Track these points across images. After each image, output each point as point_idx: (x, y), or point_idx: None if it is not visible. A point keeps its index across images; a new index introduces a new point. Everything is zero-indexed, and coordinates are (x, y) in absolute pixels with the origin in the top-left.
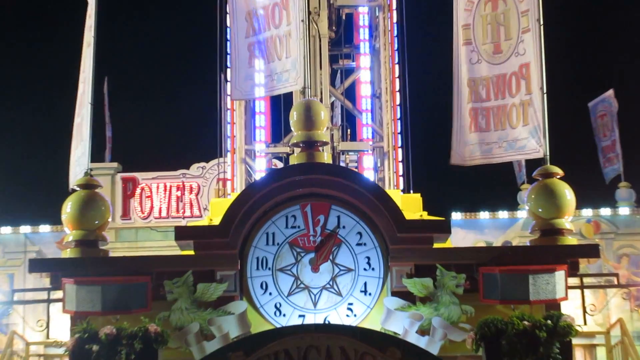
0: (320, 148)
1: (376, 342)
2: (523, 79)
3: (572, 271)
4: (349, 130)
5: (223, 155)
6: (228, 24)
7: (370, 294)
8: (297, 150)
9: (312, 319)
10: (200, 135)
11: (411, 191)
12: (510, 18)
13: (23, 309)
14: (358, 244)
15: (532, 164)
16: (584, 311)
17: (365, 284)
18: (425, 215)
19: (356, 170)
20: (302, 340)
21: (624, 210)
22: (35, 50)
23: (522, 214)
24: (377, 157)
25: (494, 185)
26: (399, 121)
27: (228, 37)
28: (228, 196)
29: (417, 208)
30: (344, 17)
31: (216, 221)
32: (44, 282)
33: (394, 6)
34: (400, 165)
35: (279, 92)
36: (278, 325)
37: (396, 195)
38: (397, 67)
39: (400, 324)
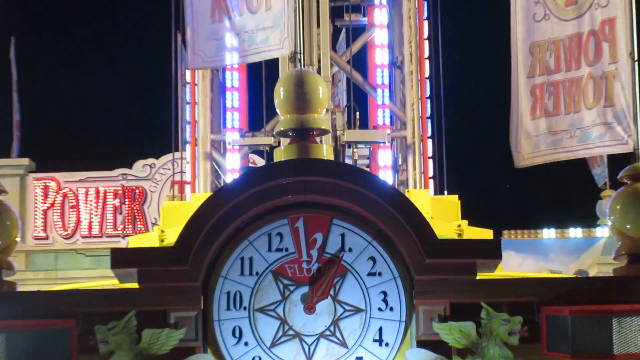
0: (318, 138)
1: None
2: (606, 40)
3: None
4: (358, 114)
5: (180, 148)
6: None
7: (387, 345)
8: (284, 141)
9: None
10: (148, 121)
11: (445, 192)
12: None
13: None
14: (370, 274)
15: (618, 162)
16: None
17: (380, 330)
18: (465, 225)
19: (368, 169)
20: None
21: None
22: None
23: (602, 231)
24: (398, 152)
25: (562, 192)
26: (429, 101)
27: None
28: (187, 199)
29: (453, 215)
30: None
31: (170, 237)
32: None
33: None
34: (430, 162)
35: (258, 59)
36: None
37: (424, 197)
38: (426, 23)
39: None
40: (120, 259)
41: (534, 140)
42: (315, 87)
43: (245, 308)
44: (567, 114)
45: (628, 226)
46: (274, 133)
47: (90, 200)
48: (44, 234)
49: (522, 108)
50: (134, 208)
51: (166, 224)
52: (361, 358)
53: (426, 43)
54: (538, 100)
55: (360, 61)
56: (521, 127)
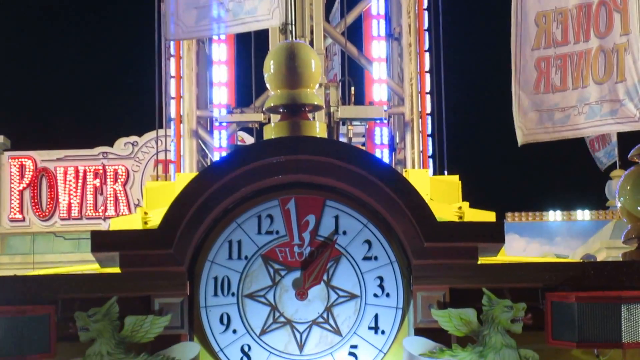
0: (310, 115)
1: None
2: (617, 11)
3: None
4: (352, 89)
5: (164, 125)
6: None
7: (383, 333)
8: (275, 117)
9: None
10: (130, 96)
11: (445, 172)
12: None
13: None
14: (366, 258)
15: (628, 140)
16: None
17: (376, 317)
18: (466, 208)
19: (363, 148)
20: None
21: None
22: None
23: (611, 214)
24: (395, 129)
25: (570, 172)
26: (428, 76)
27: None
28: (172, 179)
29: (453, 196)
30: None
31: (153, 219)
32: None
33: None
34: (430, 140)
35: (244, 29)
36: None
37: (423, 177)
38: None
39: None
40: (101, 242)
41: (537, 116)
42: (308, 61)
43: (233, 294)
44: (574, 89)
45: (639, 208)
46: (264, 109)
47: (69, 180)
48: (20, 216)
49: (524, 82)
50: (116, 188)
51: (150, 205)
52: (356, 346)
53: (425, 14)
54: (543, 74)
55: (356, 33)
56: (524, 102)
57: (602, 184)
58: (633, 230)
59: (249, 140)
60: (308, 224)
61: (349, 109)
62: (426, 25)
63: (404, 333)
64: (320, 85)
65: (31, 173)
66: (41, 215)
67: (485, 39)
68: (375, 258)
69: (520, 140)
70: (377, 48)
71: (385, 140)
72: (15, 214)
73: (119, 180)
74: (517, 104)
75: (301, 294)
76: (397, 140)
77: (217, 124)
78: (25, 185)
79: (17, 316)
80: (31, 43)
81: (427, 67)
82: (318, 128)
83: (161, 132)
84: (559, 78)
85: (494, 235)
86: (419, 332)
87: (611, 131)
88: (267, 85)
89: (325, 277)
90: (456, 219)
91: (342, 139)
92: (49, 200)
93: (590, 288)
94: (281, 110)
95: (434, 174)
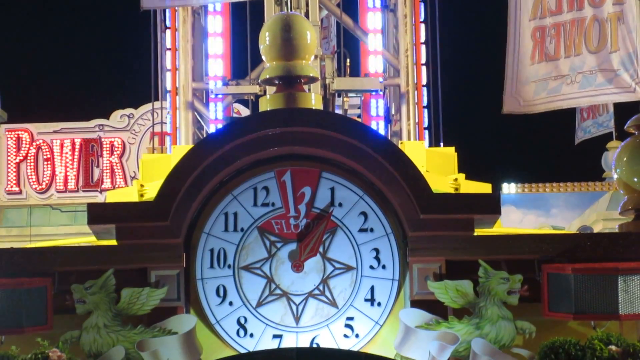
0: (306, 87)
1: None
2: None
3: None
4: (348, 61)
5: (160, 98)
6: None
7: (379, 305)
8: (270, 89)
9: (293, 340)
10: (126, 68)
11: (441, 144)
12: None
13: None
14: (362, 230)
15: (624, 111)
16: None
17: (372, 289)
18: (463, 179)
19: (359, 119)
20: None
21: None
22: None
23: (607, 185)
24: (391, 101)
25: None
26: (424, 47)
27: None
28: (168, 151)
29: (449, 168)
30: None
31: (150, 191)
32: None
33: None
34: (425, 112)
35: None
36: (243, 351)
37: (419, 149)
38: None
39: (425, 348)
40: (98, 214)
41: (533, 87)
42: (303, 32)
43: (229, 266)
44: (567, 57)
45: (635, 179)
46: (259, 81)
47: (66, 153)
48: (17, 189)
49: (521, 52)
50: (112, 161)
51: (146, 178)
52: (352, 318)
53: None
54: (538, 43)
55: (351, 4)
56: (520, 72)
57: (599, 155)
58: (630, 202)
59: (245, 112)
60: (304, 196)
61: (344, 81)
62: None
63: (400, 305)
64: (316, 57)
65: (28, 146)
66: (38, 188)
67: (481, 10)
68: (371, 230)
69: (511, 110)
70: (373, 19)
71: (381, 112)
72: (12, 186)
73: (115, 153)
74: (509, 75)
75: (297, 266)
76: (393, 112)
77: (212, 96)
78: (21, 158)
79: (14, 288)
80: (27, 16)
81: (422, 39)
82: (313, 100)
83: (157, 104)
84: (553, 47)
85: (490, 207)
86: (415, 304)
87: (607, 101)
88: (263, 57)
89: (321, 249)
90: (452, 191)
91: (338, 111)
92: (45, 172)
93: (586, 260)
94: (277, 82)
95: (430, 145)
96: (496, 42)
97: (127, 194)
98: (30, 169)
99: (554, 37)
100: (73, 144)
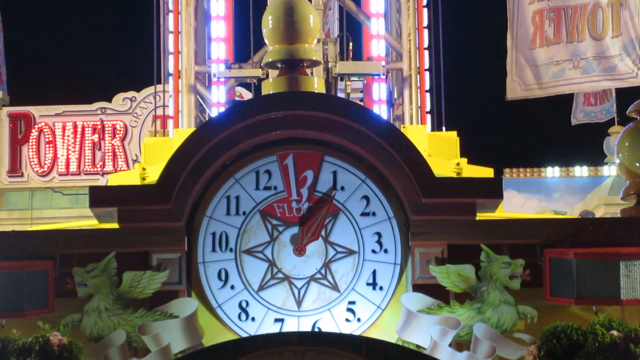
0: (308, 70)
1: None
2: None
3: None
4: (351, 45)
5: (162, 81)
6: None
7: (381, 289)
8: (273, 73)
9: (294, 324)
10: (128, 51)
11: (443, 128)
12: None
13: None
14: (364, 214)
15: (626, 96)
16: None
17: (374, 273)
18: (465, 164)
19: (361, 103)
20: (281, 356)
21: None
22: None
23: (610, 170)
24: (393, 85)
25: (568, 127)
26: (427, 31)
27: None
28: (170, 135)
29: (451, 152)
30: None
31: (152, 174)
32: None
33: None
34: (428, 96)
35: None
36: (244, 335)
37: (421, 133)
38: None
39: (427, 332)
40: (99, 197)
41: (534, 72)
42: (306, 16)
43: (231, 249)
44: (569, 42)
45: (637, 164)
46: (262, 64)
47: (68, 136)
48: (18, 171)
49: (521, 38)
50: (114, 144)
51: (148, 161)
52: (354, 302)
53: None
54: (538, 27)
55: None
56: (520, 58)
57: (601, 140)
58: (631, 187)
59: (247, 95)
60: (306, 180)
61: (347, 65)
62: None
63: (402, 289)
64: (319, 40)
65: (29, 128)
66: (39, 171)
67: None
68: (374, 214)
69: (512, 95)
70: (376, 3)
71: (384, 96)
72: (13, 170)
73: (117, 136)
74: (512, 60)
75: (299, 250)
76: (395, 96)
77: (215, 79)
78: (23, 141)
79: (16, 272)
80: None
81: (425, 23)
82: (316, 83)
83: (159, 87)
84: (552, 31)
85: (492, 191)
86: (417, 288)
87: (610, 87)
88: (266, 41)
89: (323, 233)
90: (454, 175)
91: (340, 95)
92: (47, 155)
93: (588, 244)
94: (279, 65)
95: (432, 129)
96: (498, 26)
97: (129, 177)
98: (32, 151)
99: (553, 20)
100: (75, 126)
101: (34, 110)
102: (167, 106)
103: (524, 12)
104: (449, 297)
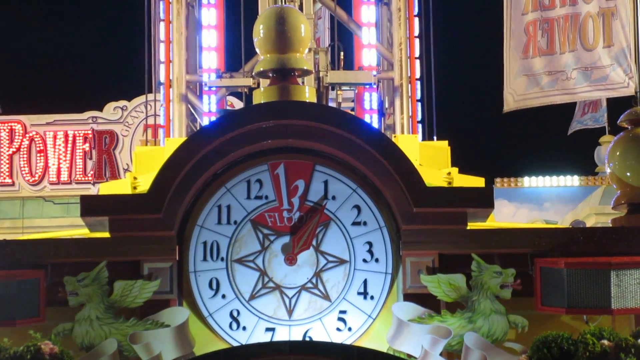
0: (299, 79)
1: None
2: None
3: None
4: (342, 54)
5: (153, 90)
6: None
7: (372, 298)
8: (264, 82)
9: (285, 334)
10: (119, 61)
11: (434, 138)
12: None
13: None
14: (355, 224)
15: (617, 105)
16: None
17: (365, 282)
18: (456, 173)
19: (353, 113)
20: None
21: None
22: None
23: (600, 180)
24: (384, 94)
25: (558, 137)
26: (418, 41)
27: None
28: (161, 144)
29: (443, 162)
30: None
31: (143, 184)
32: None
33: None
34: (419, 105)
35: None
36: (235, 344)
37: (412, 143)
38: None
39: (418, 342)
40: (91, 206)
41: (526, 81)
42: (297, 25)
43: (222, 259)
44: (562, 54)
45: (628, 174)
46: (253, 74)
47: (59, 145)
48: (10, 180)
49: (514, 47)
50: (105, 153)
51: (139, 170)
52: (345, 312)
53: None
54: (531, 37)
55: None
56: (513, 67)
57: (592, 150)
58: (622, 196)
59: (238, 105)
60: (297, 189)
61: (338, 74)
62: None
63: (393, 298)
64: (310, 49)
65: (21, 137)
66: (31, 180)
67: (475, 4)
68: (365, 223)
69: (508, 106)
70: (367, 13)
71: (375, 106)
72: (4, 178)
73: (108, 145)
74: (508, 71)
75: (290, 259)
76: (387, 106)
77: (206, 88)
78: (14, 150)
79: (7, 280)
80: (20, 7)
81: (416, 32)
82: (307, 93)
83: (150, 96)
84: (546, 41)
85: (483, 200)
86: (408, 297)
87: (601, 97)
88: (257, 50)
89: (314, 242)
90: (445, 185)
91: (331, 104)
92: (38, 164)
93: (579, 254)
94: (270, 74)
95: (423, 139)
96: (490, 36)
97: (120, 186)
98: (23, 160)
99: (546, 30)
100: (66, 135)
101: (25, 119)
102: (159, 115)
103: (518, 22)
104: (440, 307)
